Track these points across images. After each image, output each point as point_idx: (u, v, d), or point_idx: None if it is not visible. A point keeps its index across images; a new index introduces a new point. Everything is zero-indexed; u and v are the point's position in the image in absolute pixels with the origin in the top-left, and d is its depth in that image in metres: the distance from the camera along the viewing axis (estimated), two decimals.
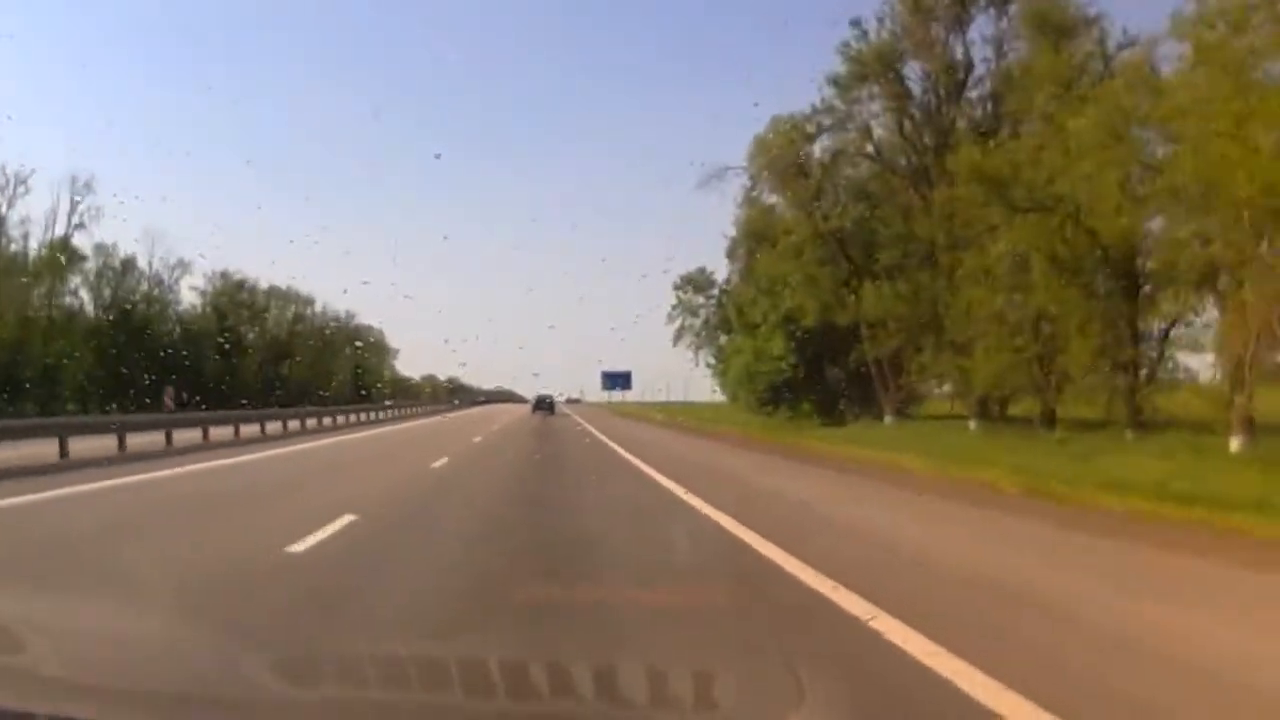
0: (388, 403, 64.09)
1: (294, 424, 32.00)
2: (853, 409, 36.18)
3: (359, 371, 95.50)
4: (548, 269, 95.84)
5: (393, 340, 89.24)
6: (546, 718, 3.73)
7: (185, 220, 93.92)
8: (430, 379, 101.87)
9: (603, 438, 28.48)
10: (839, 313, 31.60)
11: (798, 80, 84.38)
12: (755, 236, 36.20)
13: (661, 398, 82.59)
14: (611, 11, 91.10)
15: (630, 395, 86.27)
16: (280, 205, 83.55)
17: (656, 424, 41.90)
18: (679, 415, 45.97)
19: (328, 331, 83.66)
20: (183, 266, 75.46)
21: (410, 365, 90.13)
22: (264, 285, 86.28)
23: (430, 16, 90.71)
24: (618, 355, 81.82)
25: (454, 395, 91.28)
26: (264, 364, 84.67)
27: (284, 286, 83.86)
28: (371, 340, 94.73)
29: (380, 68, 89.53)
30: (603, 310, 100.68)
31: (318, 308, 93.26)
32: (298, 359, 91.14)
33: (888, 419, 34.65)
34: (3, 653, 4.14)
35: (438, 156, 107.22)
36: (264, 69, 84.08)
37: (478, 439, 26.54)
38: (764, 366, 36.55)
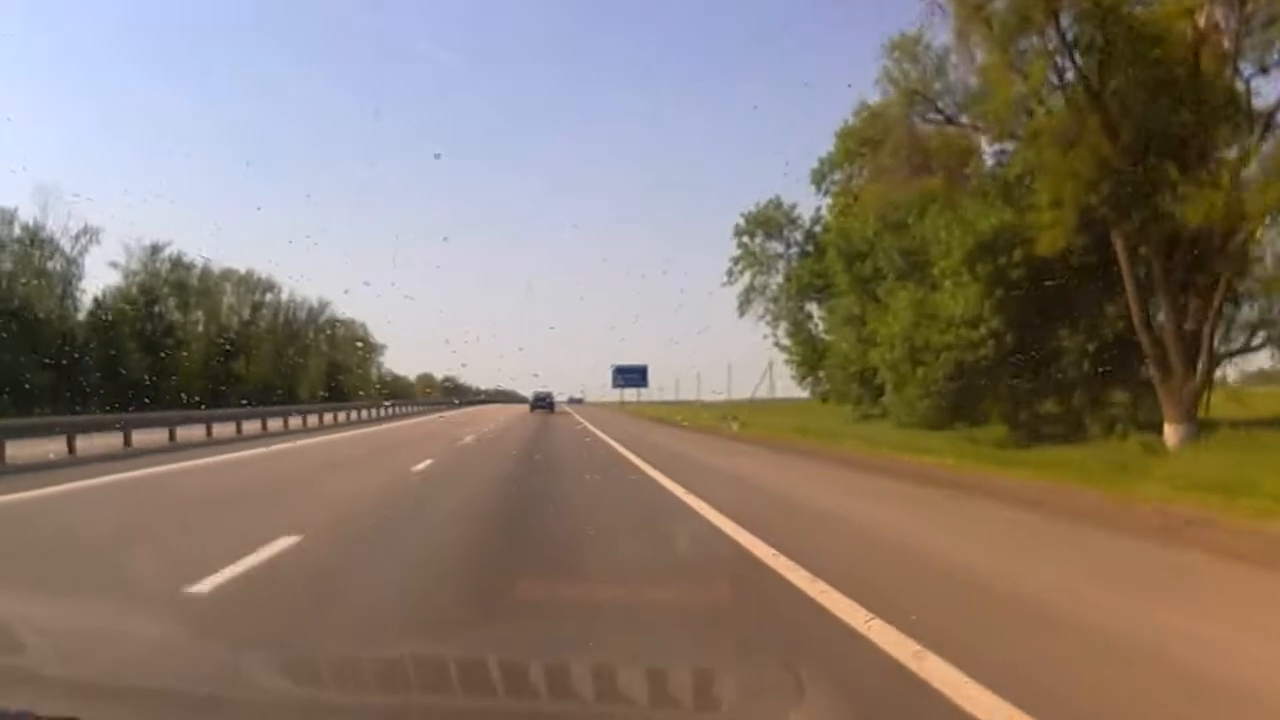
0: (387, 402, 59.37)
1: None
2: (1096, 415, 19.64)
3: (357, 370, 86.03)
4: (547, 269, 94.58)
5: (392, 339, 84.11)
6: (546, 717, 3.64)
7: (184, 222, 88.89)
8: (426, 378, 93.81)
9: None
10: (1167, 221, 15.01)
11: (795, 82, 77.70)
12: (907, 108, 19.62)
13: (669, 396, 71.59)
14: (611, 12, 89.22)
15: (645, 394, 73.30)
16: (280, 206, 79.86)
17: (750, 442, 24.92)
18: (777, 427, 28.34)
19: (328, 328, 73.03)
20: (90, 235, 59.32)
21: (412, 365, 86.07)
22: (216, 267, 70.70)
23: (429, 18, 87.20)
24: (617, 357, 70.42)
25: (451, 395, 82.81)
26: (211, 358, 68.89)
27: (242, 269, 71.06)
28: (360, 336, 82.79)
29: (380, 68, 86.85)
30: (603, 310, 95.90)
31: (284, 296, 76.89)
32: (255, 353, 76.55)
33: (1172, 431, 18.30)
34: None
35: (437, 156, 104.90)
36: (264, 69, 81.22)
37: (424, 465, 15.89)
38: (942, 336, 19.99)
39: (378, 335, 79.69)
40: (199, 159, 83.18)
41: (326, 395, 66.96)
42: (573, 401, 76.23)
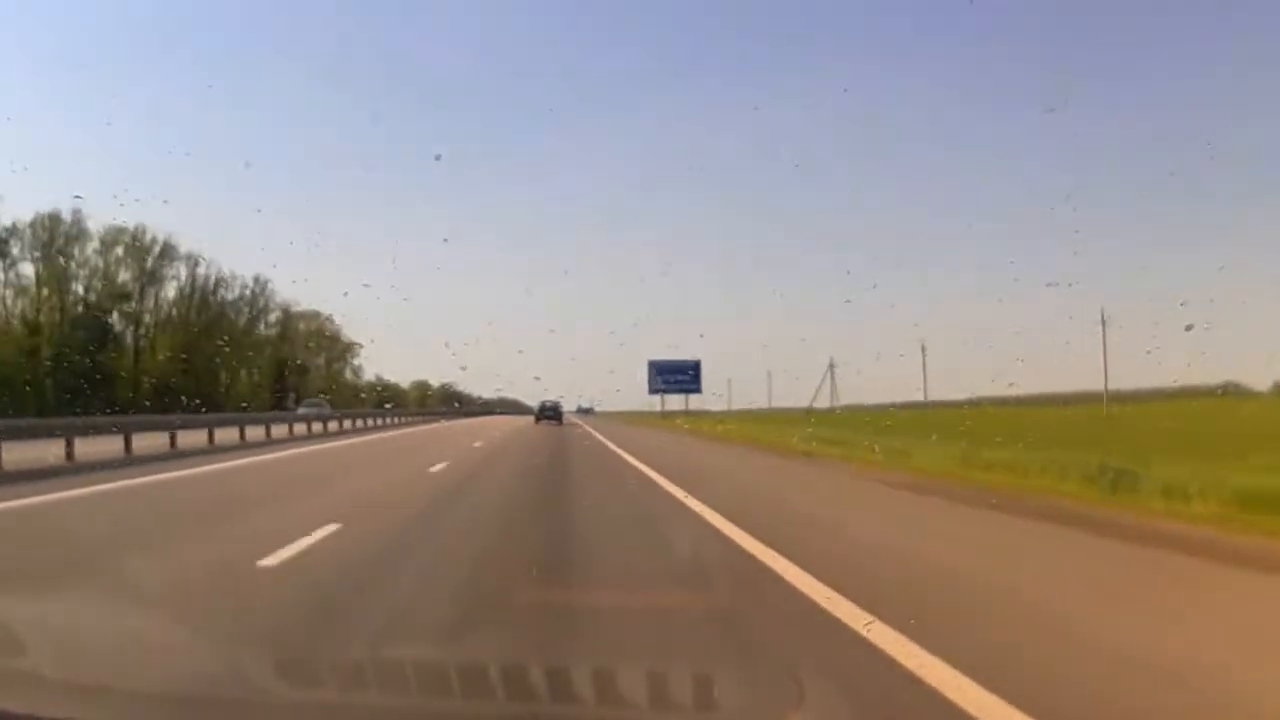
0: (387, 407, 55.96)
1: None
2: None
3: (333, 368, 74.73)
4: (547, 271, 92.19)
5: (392, 343, 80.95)
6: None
7: (184, 223, 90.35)
8: (421, 385, 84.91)
9: None
10: None
11: (794, 84, 79.89)
12: None
13: (692, 405, 57.06)
14: (611, 12, 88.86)
15: (694, 401, 57.43)
16: (280, 207, 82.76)
17: None
18: None
19: (275, 316, 60.65)
20: None
21: (414, 370, 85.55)
22: (96, 224, 55.88)
23: (429, 18, 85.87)
24: (616, 361, 60.65)
25: (448, 404, 75.35)
26: (67, 348, 50.80)
27: (127, 224, 56.06)
28: (328, 331, 71.59)
29: (380, 69, 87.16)
30: (603, 314, 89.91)
31: (200, 268, 63.11)
32: (154, 344, 59.85)
33: None
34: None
35: (438, 158, 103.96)
36: (263, 69, 79.87)
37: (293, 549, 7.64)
38: None
39: (374, 337, 71.31)
40: (199, 159, 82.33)
41: (295, 402, 54.17)
42: (581, 411, 65.38)
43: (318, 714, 3.62)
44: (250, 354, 66.81)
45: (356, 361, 76.71)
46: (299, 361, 78.79)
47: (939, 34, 78.39)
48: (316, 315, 74.81)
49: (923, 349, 46.77)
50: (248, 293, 66.85)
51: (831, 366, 62.09)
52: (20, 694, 3.39)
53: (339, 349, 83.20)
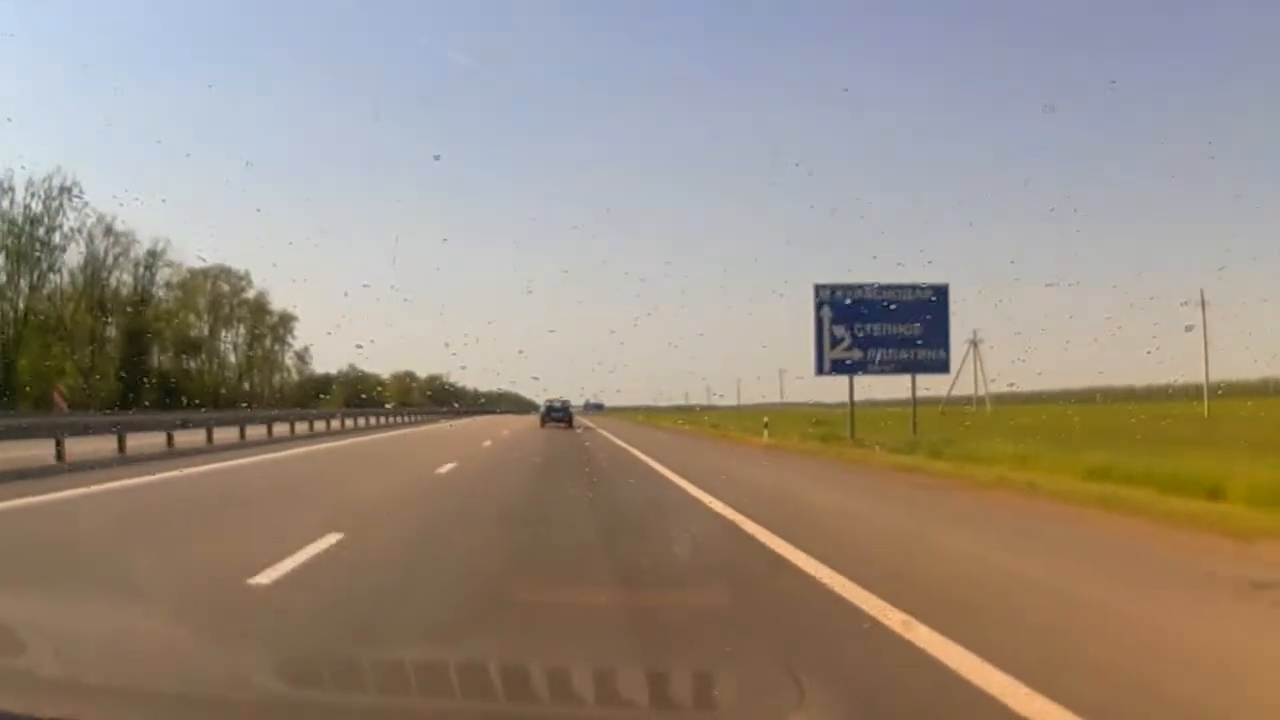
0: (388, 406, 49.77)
1: None
2: None
3: (255, 352, 59.51)
4: (547, 271, 61.50)
5: (392, 341, 69.59)
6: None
7: (184, 222, 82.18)
8: (405, 376, 74.47)
9: None
10: None
11: (792, 85, 69.13)
12: None
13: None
14: (610, 12, 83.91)
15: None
16: (280, 207, 77.54)
17: None
18: None
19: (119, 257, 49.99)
20: None
21: (413, 368, 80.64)
22: None
23: (430, 18, 77.13)
24: (616, 360, 59.50)
25: (441, 401, 62.34)
26: None
27: None
28: (245, 296, 55.78)
29: (380, 69, 78.78)
30: (602, 313, 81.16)
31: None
32: None
33: None
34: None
35: (437, 158, 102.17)
36: (264, 69, 71.85)
37: None
38: None
39: (374, 337, 60.63)
40: (199, 159, 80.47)
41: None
42: (590, 408, 55.01)
43: (318, 714, 3.63)
44: (52, 319, 37.23)
45: (298, 343, 51.58)
46: (192, 334, 46.37)
47: (939, 33, 72.12)
48: (227, 272, 47.39)
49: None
50: (36, 208, 37.19)
51: (975, 343, 43.47)
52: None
53: (268, 323, 51.79)
